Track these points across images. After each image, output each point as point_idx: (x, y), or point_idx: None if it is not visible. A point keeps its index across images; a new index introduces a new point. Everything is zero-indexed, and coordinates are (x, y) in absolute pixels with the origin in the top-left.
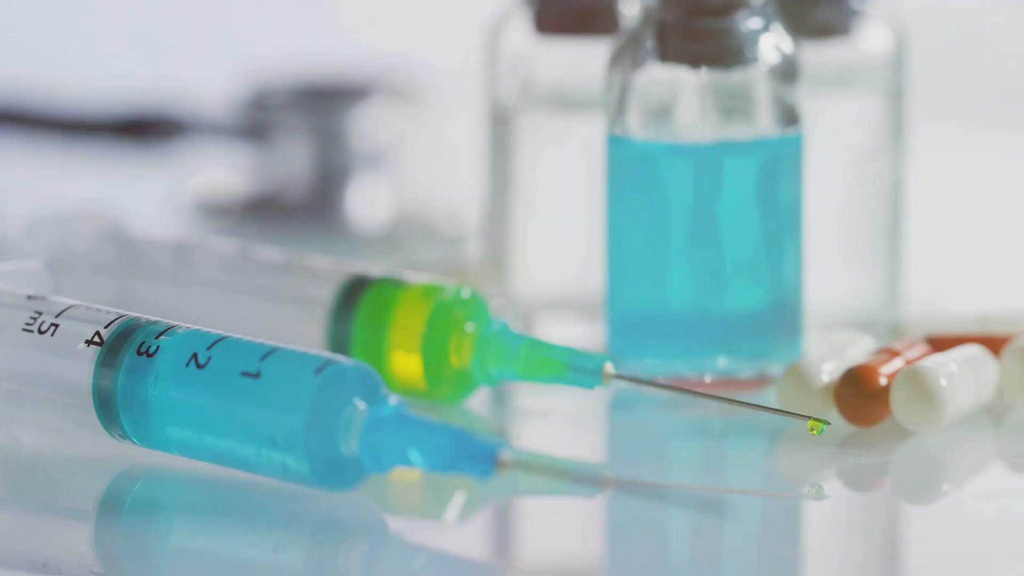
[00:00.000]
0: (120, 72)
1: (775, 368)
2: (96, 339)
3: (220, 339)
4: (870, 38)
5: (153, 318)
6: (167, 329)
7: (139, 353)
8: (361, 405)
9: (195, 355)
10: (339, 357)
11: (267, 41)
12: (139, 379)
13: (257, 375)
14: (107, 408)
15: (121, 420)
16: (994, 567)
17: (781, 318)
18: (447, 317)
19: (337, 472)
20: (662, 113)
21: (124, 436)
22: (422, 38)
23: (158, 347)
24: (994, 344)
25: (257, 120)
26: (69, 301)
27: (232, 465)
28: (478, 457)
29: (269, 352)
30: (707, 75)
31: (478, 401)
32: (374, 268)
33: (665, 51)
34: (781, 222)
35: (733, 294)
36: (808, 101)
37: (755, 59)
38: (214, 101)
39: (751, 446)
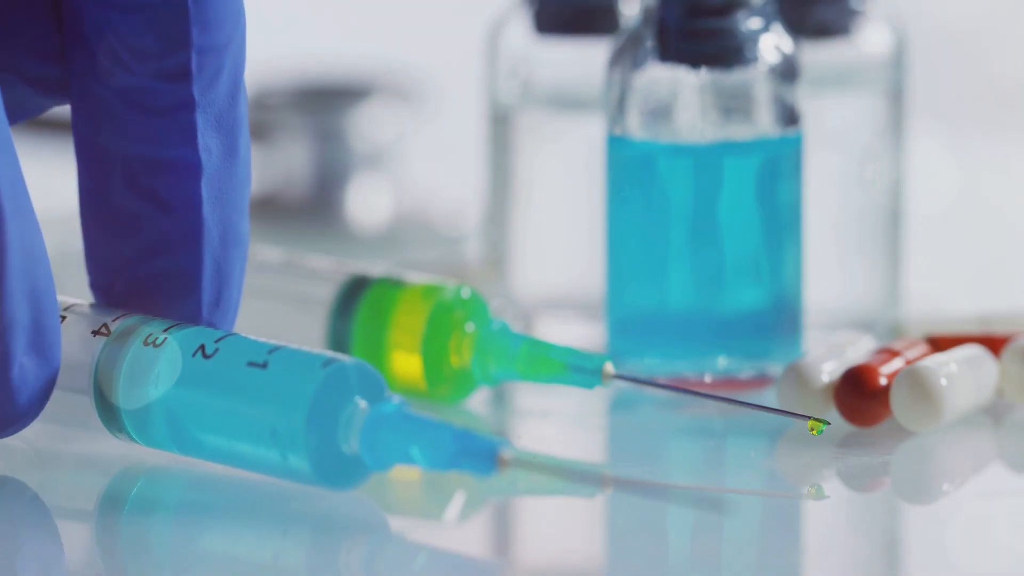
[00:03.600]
0: None
1: (775, 368)
2: (103, 330)
3: (227, 335)
4: (870, 38)
5: (154, 318)
6: (173, 325)
7: (145, 344)
8: (362, 403)
9: (202, 346)
10: (341, 356)
11: (267, 41)
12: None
13: (264, 365)
14: (107, 408)
15: (122, 417)
16: (994, 567)
17: (781, 318)
18: (447, 317)
19: (338, 470)
20: (662, 113)
21: (123, 432)
22: (422, 38)
23: (164, 339)
24: (994, 344)
25: (257, 120)
26: (70, 300)
27: (233, 464)
28: (479, 455)
29: (276, 348)
30: (707, 75)
31: (478, 401)
32: (374, 268)
33: (665, 51)
34: (781, 222)
35: (733, 294)
36: (808, 101)
37: (755, 59)
38: None
39: (751, 446)
